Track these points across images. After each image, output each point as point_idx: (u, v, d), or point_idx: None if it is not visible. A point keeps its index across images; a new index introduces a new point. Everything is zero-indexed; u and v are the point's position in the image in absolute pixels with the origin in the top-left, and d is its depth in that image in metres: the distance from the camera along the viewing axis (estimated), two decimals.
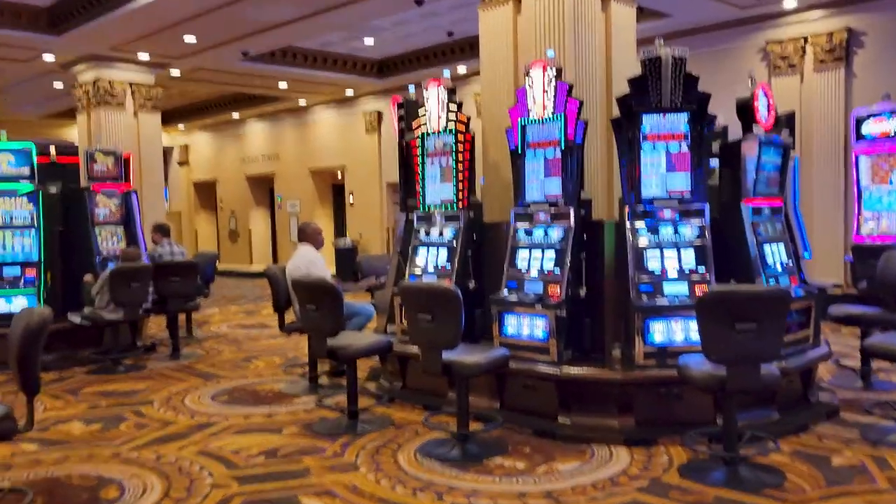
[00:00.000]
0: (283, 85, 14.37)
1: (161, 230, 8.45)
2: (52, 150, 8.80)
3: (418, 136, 6.03)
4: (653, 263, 4.87)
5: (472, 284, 5.67)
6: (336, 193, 17.89)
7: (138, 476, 4.30)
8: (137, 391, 6.50)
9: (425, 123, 5.97)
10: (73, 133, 15.48)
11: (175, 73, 12.75)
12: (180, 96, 17.73)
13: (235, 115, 18.62)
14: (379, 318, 6.57)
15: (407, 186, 6.45)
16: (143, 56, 11.51)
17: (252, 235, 19.39)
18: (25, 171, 7.62)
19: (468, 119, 5.78)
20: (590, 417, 4.80)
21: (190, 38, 10.62)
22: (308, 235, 6.60)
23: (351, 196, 16.68)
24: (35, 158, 7.67)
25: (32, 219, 7.62)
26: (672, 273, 4.84)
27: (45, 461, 4.64)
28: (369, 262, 8.47)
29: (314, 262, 6.35)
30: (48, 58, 11.55)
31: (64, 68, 12.02)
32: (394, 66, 13.91)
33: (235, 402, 6.02)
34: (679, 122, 4.85)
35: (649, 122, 4.85)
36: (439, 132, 5.86)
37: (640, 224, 4.93)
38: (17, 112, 17.36)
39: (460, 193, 5.80)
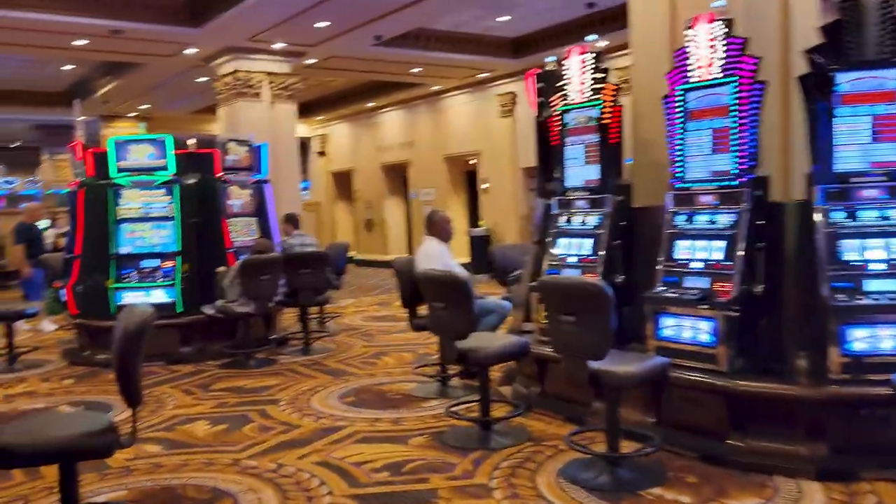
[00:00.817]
0: (415, 70, 14.04)
1: (291, 221, 8.23)
2: (191, 141, 8.85)
3: (558, 112, 5.36)
4: (851, 254, 3.96)
5: (619, 278, 4.96)
6: (469, 181, 17.45)
7: (254, 490, 3.96)
8: (266, 388, 6.27)
9: (566, 96, 5.29)
10: (217, 128, 15.95)
11: (310, 61, 12.69)
12: (319, 87, 17.88)
13: (371, 104, 18.58)
14: (515, 314, 5.98)
15: (545, 169, 5.80)
16: (278, 45, 11.49)
17: (387, 225, 19.35)
18: (163, 162, 7.63)
19: (617, 88, 5.05)
20: (769, 441, 3.98)
21: (322, 24, 10.44)
22: (435, 225, 6.09)
23: (485, 183, 16.17)
24: (172, 150, 7.66)
25: (169, 210, 7.63)
26: (877, 266, 3.91)
27: (165, 466, 4.42)
28: (504, 253, 7.88)
29: (438, 256, 5.85)
30: (190, 51, 11.78)
31: (206, 62, 12.25)
32: (529, 45, 13.21)
33: (362, 405, 5.64)
34: (888, 78, 3.90)
35: (847, 79, 3.94)
36: (582, 105, 5.17)
37: (834, 206, 4.04)
38: (168, 109, 18.15)
39: (607, 174, 5.09)
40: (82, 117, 7.80)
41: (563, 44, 11.79)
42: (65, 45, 11.09)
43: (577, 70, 5.17)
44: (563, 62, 5.27)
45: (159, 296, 7.45)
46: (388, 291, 13.27)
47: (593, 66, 5.10)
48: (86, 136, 8.69)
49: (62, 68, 14.78)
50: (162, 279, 7.50)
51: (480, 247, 14.88)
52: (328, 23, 10.48)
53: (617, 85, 5.08)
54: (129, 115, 18.21)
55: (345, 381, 6.46)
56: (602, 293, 3.64)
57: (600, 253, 5.01)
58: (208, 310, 7.36)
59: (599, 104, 5.05)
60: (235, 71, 11.70)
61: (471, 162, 16.77)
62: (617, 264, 5.00)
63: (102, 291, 7.44)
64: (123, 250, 7.55)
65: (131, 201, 7.57)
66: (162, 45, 11.35)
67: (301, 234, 8.16)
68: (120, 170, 7.53)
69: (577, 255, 5.19)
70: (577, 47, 5.17)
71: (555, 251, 5.32)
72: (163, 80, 14.28)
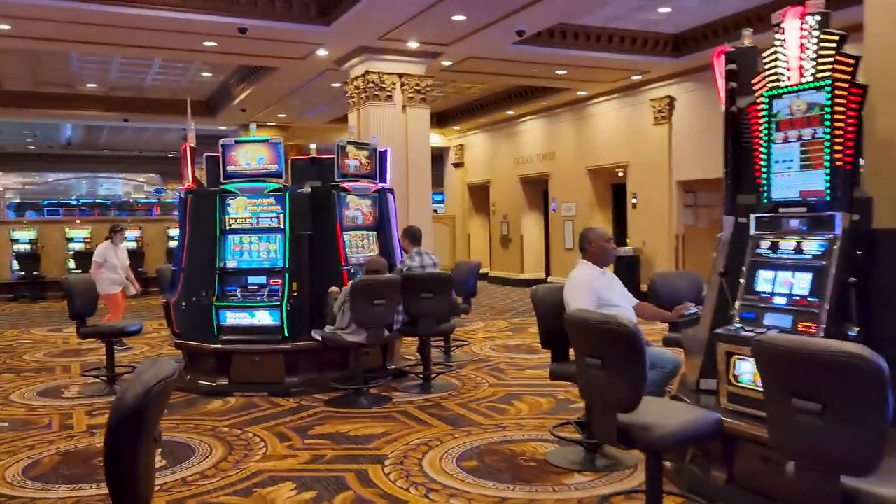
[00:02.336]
0: (560, 72, 12.76)
1: (411, 236, 7.14)
2: (313, 147, 8.05)
3: (762, 99, 3.94)
4: None
5: (853, 331, 3.48)
6: (616, 195, 15.89)
7: None
8: (372, 438, 5.19)
9: (776, 76, 3.87)
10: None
11: (446, 63, 11.73)
12: (457, 96, 17.00)
13: (510, 113, 17.46)
14: (689, 367, 4.56)
15: (736, 176, 4.37)
16: (412, 44, 10.59)
17: (524, 241, 18.10)
18: (274, 167, 6.80)
19: (855, 63, 3.58)
20: None
21: (459, 17, 9.41)
22: (591, 245, 4.77)
23: (634, 197, 14.58)
24: (283, 153, 6.82)
25: (279, 221, 6.78)
26: None
27: None
28: (666, 282, 6.41)
29: (590, 288, 4.53)
30: (322, 53, 11.13)
31: (338, 64, 11.57)
32: (693, 42, 11.60)
33: (486, 474, 4.42)
34: None
35: None
36: (802, 87, 3.73)
37: None
38: (305, 119, 17.85)
39: (836, 184, 3.62)
40: (191, 121, 7.12)
41: (735, 38, 10.20)
42: (195, 47, 10.71)
43: (794, 40, 3.74)
44: (774, 30, 3.84)
45: (264, 317, 6.61)
46: (522, 314, 12.01)
47: (818, 32, 3.65)
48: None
49: (202, 74, 14.70)
50: (268, 299, 6.65)
51: (628, 270, 13.29)
52: (464, 17, 9.44)
53: (855, 59, 3.60)
54: (268, 123, 18.06)
55: (467, 433, 5.27)
56: (875, 372, 2.23)
57: (825, 293, 3.54)
58: (317, 335, 6.42)
59: (828, 85, 3.59)
60: (367, 72, 10.90)
61: (619, 174, 15.23)
62: (850, 310, 3.52)
63: (206, 310, 6.68)
64: (229, 265, 6.77)
65: (239, 211, 6.78)
66: (291, 46, 10.74)
67: (422, 253, 7.05)
68: (229, 175, 6.77)
69: (786, 294, 3.74)
70: (794, 8, 3.74)
71: (753, 286, 3.89)
72: (297, 85, 13.82)
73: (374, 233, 7.49)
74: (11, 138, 26.04)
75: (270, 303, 6.60)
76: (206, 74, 14.60)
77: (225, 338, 6.63)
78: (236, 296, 6.69)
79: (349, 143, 7.20)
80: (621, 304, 4.55)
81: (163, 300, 7.20)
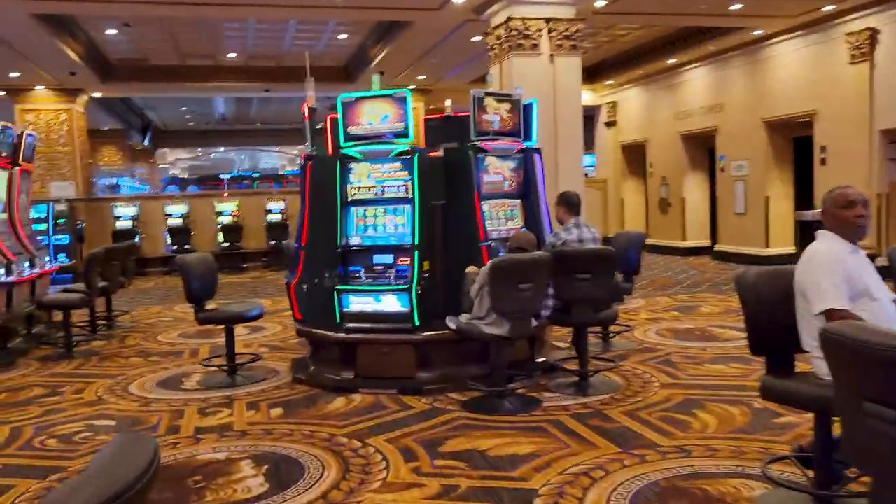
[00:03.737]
0: (735, 7, 10.90)
1: (568, 204, 5.91)
2: (448, 103, 7.03)
3: None
4: None
5: None
6: (799, 149, 13.73)
7: None
8: (517, 461, 4.12)
9: None
10: None
11: (599, 3, 10.26)
12: (608, 45, 15.37)
13: (671, 61, 15.58)
14: None
15: None
16: None
17: (686, 205, 16.27)
18: (401, 126, 5.80)
19: None
20: None
21: None
22: (824, 213, 3.42)
23: (823, 151, 12.44)
24: (410, 109, 5.81)
25: (407, 190, 5.80)
26: None
27: None
28: None
29: (843, 272, 3.17)
30: (458, 0, 10.04)
31: (476, 12, 10.43)
32: None
33: None
34: None
35: None
36: None
37: None
38: (445, 80, 16.87)
39: None
40: (311, 77, 6.24)
41: None
42: (326, 2, 9.94)
43: None
44: None
45: (391, 303, 5.69)
46: (689, 289, 10.48)
47: None
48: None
49: (338, 37, 14.05)
50: (395, 281, 5.71)
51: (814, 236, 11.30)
52: None
53: None
54: (408, 88, 17.26)
55: (639, 458, 4.09)
56: None
57: None
58: (451, 323, 5.42)
59: None
60: (510, 19, 9.67)
61: (803, 125, 13.10)
62: None
63: (328, 293, 5.85)
64: (352, 242, 5.90)
65: (361, 179, 5.87)
66: None
67: (581, 225, 5.81)
68: (349, 137, 5.85)
69: None
70: None
71: None
72: (435, 41, 12.81)
73: (518, 201, 6.36)
74: (172, 116, 27.09)
75: (398, 286, 5.66)
76: (342, 37, 13.91)
77: (349, 326, 5.78)
78: (360, 277, 5.81)
79: (487, 94, 6.06)
80: (880, 296, 3.17)
81: (284, 281, 6.47)
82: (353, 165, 5.86)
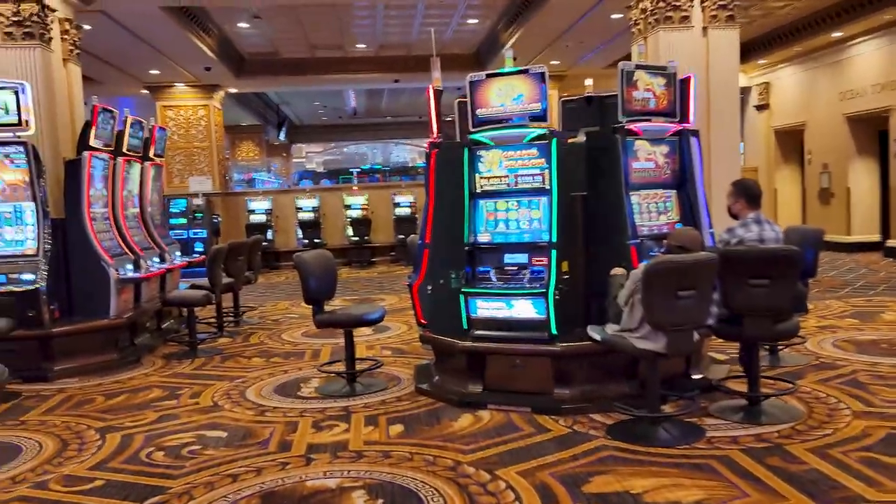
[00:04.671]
0: None
1: (748, 194, 4.91)
2: (589, 83, 6.27)
3: None
4: None
5: None
6: None
7: None
8: None
9: None
10: None
11: None
12: (763, 20, 13.92)
13: (836, 35, 13.90)
14: None
15: None
16: None
17: (851, 195, 14.52)
18: (537, 107, 5.09)
19: None
20: None
21: None
22: None
23: None
24: (547, 88, 5.07)
25: (544, 179, 5.08)
26: None
27: None
28: None
29: None
30: None
31: None
32: None
33: None
34: None
35: None
36: None
37: None
38: (580, 64, 15.94)
39: None
40: (436, 59, 5.65)
41: None
42: None
43: None
44: None
45: (525, 308, 4.99)
46: (861, 291, 9.13)
47: None
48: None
49: (468, 22, 13.48)
50: (529, 284, 5.02)
51: None
52: None
53: None
54: None
55: None
56: None
57: None
58: (595, 334, 4.67)
59: None
60: None
61: None
62: None
63: (454, 296, 5.24)
64: (481, 239, 5.25)
65: (492, 167, 5.20)
66: None
67: (762, 221, 4.81)
68: (479, 121, 5.21)
69: None
70: None
71: None
72: (571, 21, 11.97)
73: (673, 191, 5.49)
74: (306, 111, 27.64)
75: (533, 289, 4.96)
76: (471, 21, 13.34)
77: (477, 333, 5.15)
78: (490, 279, 5.16)
79: (638, 67, 5.22)
80: None
81: (406, 282, 5.93)
82: (482, 153, 5.21)
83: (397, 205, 16.18)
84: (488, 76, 5.14)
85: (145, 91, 15.98)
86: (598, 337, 4.63)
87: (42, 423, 5.13)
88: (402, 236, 15.27)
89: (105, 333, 6.86)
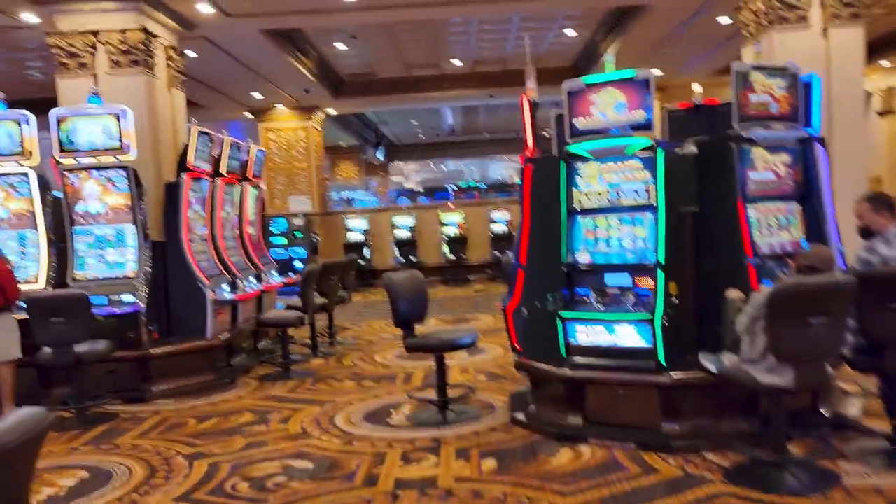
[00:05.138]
0: None
1: (890, 207, 4.32)
2: (698, 88, 5.83)
3: None
4: None
5: None
6: None
7: None
8: None
9: None
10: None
11: None
12: (887, 17, 12.83)
13: None
14: None
15: None
16: None
17: None
18: (639, 116, 4.69)
19: None
20: None
21: None
22: None
23: None
24: (653, 95, 4.67)
25: (649, 194, 4.67)
26: None
27: None
28: None
29: None
30: None
31: None
32: None
33: None
34: None
35: None
36: None
37: None
38: (682, 74, 15.21)
39: None
40: (532, 67, 5.35)
41: None
42: None
43: None
44: None
45: (629, 334, 4.58)
46: None
47: None
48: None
49: (565, 33, 13.09)
50: (634, 308, 4.60)
51: None
52: None
53: None
54: None
55: None
56: None
57: None
58: (709, 363, 4.22)
59: None
60: None
61: None
62: None
63: (551, 320, 4.89)
64: (580, 259, 4.88)
65: (591, 182, 4.83)
66: None
67: None
68: (577, 132, 4.85)
69: None
70: None
71: None
72: (674, 27, 11.39)
73: (796, 205, 4.95)
74: (403, 130, 27.84)
75: (638, 314, 4.55)
76: (568, 32, 12.94)
77: (576, 361, 4.77)
78: (589, 302, 4.77)
79: (755, 68, 4.74)
80: None
81: (499, 305, 5.62)
82: (581, 166, 4.85)
83: (493, 222, 15.92)
84: (588, 85, 4.79)
85: (249, 115, 16.40)
86: (712, 367, 4.18)
87: (134, 448, 5.11)
88: (498, 254, 14.97)
89: (201, 354, 6.88)
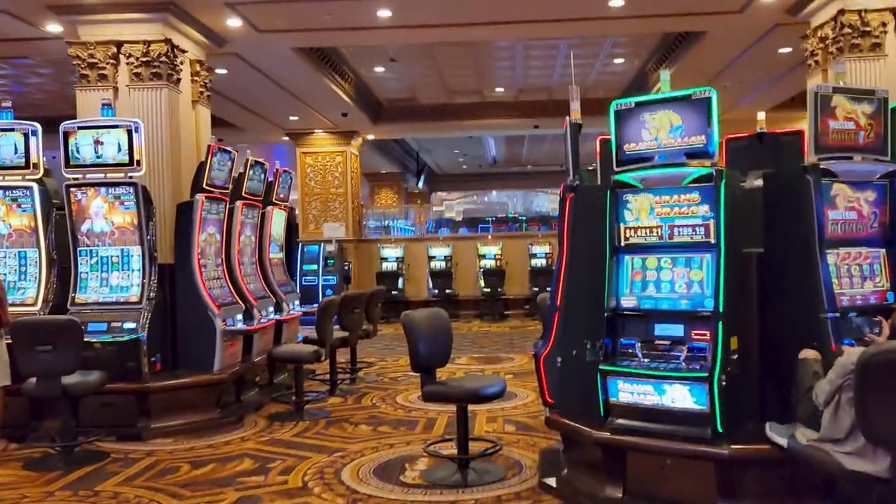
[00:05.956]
0: None
1: None
2: (760, 116, 5.17)
3: None
4: None
5: None
6: None
7: None
8: None
9: None
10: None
11: None
12: None
13: None
14: None
15: None
16: None
17: None
18: (699, 142, 4.06)
19: None
20: None
21: None
22: None
23: None
24: (716, 116, 4.03)
25: (708, 231, 4.01)
26: None
27: None
28: None
29: None
30: None
31: (792, 12, 8.26)
32: None
33: None
34: None
35: None
36: None
37: None
38: (738, 109, 14.46)
39: None
40: (575, 87, 4.75)
41: None
42: (599, 12, 8.52)
43: None
44: None
45: (681, 395, 3.89)
46: None
47: None
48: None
49: (614, 62, 12.52)
50: (687, 363, 3.92)
51: None
52: None
53: None
54: None
55: None
56: None
57: None
58: (778, 437, 3.52)
59: None
60: (841, 13, 7.37)
61: None
62: None
63: (590, 373, 4.23)
64: (625, 303, 4.22)
65: (640, 216, 4.19)
66: None
67: None
68: (625, 159, 4.23)
69: None
70: None
71: None
72: (732, 57, 10.72)
73: (882, 251, 4.23)
74: (445, 159, 27.45)
75: (692, 371, 3.86)
76: (617, 61, 12.37)
77: (618, 422, 4.08)
78: (634, 354, 4.10)
79: (836, 90, 4.07)
80: None
81: (530, 351, 4.98)
82: (629, 198, 4.21)
83: (533, 255, 15.25)
84: (638, 104, 4.17)
85: (286, 138, 16.12)
86: (782, 442, 3.48)
87: (113, 497, 4.56)
88: (536, 289, 14.30)
89: (205, 390, 6.34)
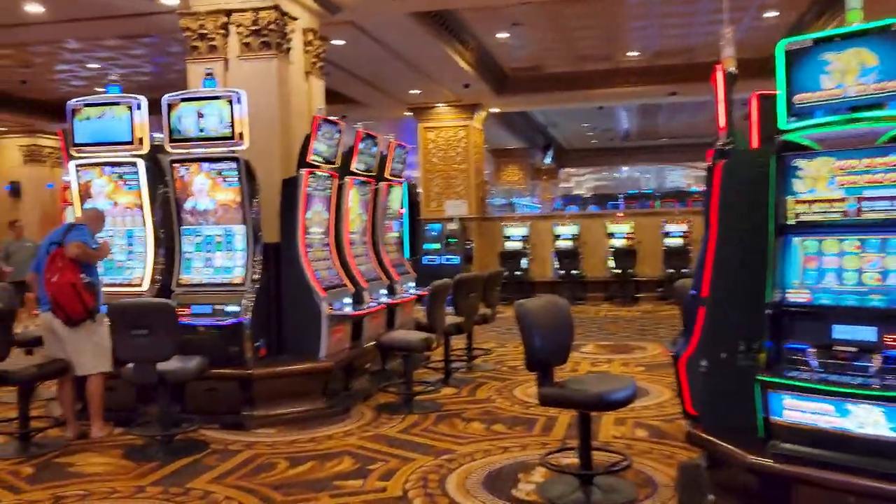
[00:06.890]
0: None
1: None
2: None
3: None
4: None
5: None
6: None
7: None
8: None
9: None
10: None
11: None
12: None
13: None
14: None
15: None
16: None
17: None
18: (890, 87, 3.11)
19: None
20: None
21: None
22: None
23: None
24: None
25: None
26: None
27: None
28: None
29: None
30: None
31: None
32: None
33: None
34: None
35: None
36: None
37: None
38: None
39: None
40: (730, 30, 3.88)
41: None
42: None
43: None
44: None
45: (871, 418, 2.99)
46: None
47: None
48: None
49: (764, 16, 11.15)
50: (882, 378, 3.02)
51: None
52: None
53: None
54: None
55: None
56: None
57: None
58: None
59: None
60: None
61: None
62: None
63: (746, 381, 3.40)
64: (794, 297, 3.35)
65: (816, 185, 3.30)
66: None
67: None
68: (797, 112, 3.34)
69: None
70: None
71: None
72: None
73: None
74: (574, 133, 26.33)
75: (886, 390, 2.97)
76: (769, 15, 10.98)
77: (782, 447, 3.25)
78: (806, 363, 3.24)
79: None
80: None
81: (668, 350, 4.19)
82: (801, 163, 3.32)
83: (667, 234, 14.09)
84: (817, 41, 3.26)
85: (409, 113, 15.74)
86: None
87: (203, 497, 4.22)
88: (671, 270, 13.20)
89: (311, 377, 5.97)
